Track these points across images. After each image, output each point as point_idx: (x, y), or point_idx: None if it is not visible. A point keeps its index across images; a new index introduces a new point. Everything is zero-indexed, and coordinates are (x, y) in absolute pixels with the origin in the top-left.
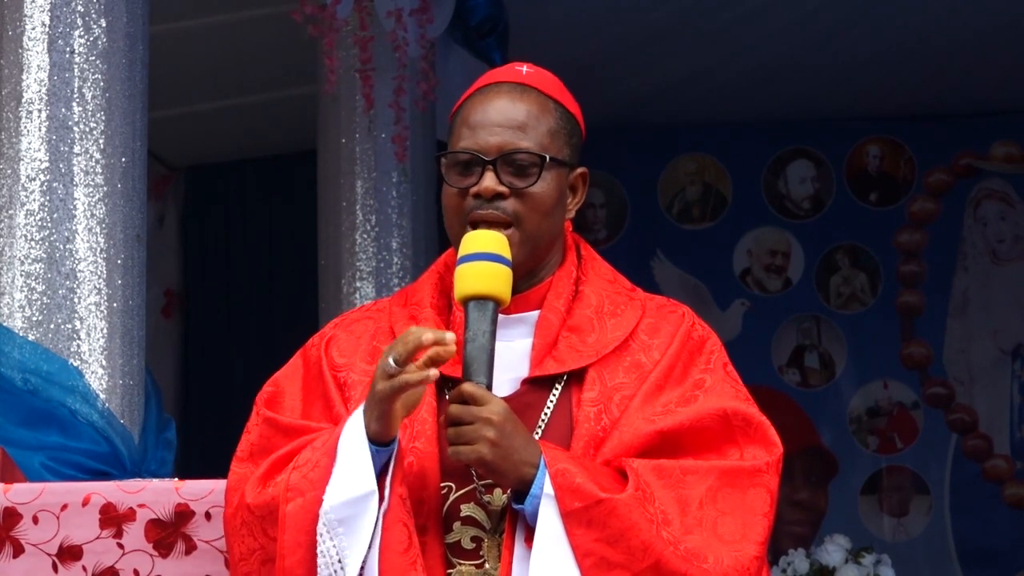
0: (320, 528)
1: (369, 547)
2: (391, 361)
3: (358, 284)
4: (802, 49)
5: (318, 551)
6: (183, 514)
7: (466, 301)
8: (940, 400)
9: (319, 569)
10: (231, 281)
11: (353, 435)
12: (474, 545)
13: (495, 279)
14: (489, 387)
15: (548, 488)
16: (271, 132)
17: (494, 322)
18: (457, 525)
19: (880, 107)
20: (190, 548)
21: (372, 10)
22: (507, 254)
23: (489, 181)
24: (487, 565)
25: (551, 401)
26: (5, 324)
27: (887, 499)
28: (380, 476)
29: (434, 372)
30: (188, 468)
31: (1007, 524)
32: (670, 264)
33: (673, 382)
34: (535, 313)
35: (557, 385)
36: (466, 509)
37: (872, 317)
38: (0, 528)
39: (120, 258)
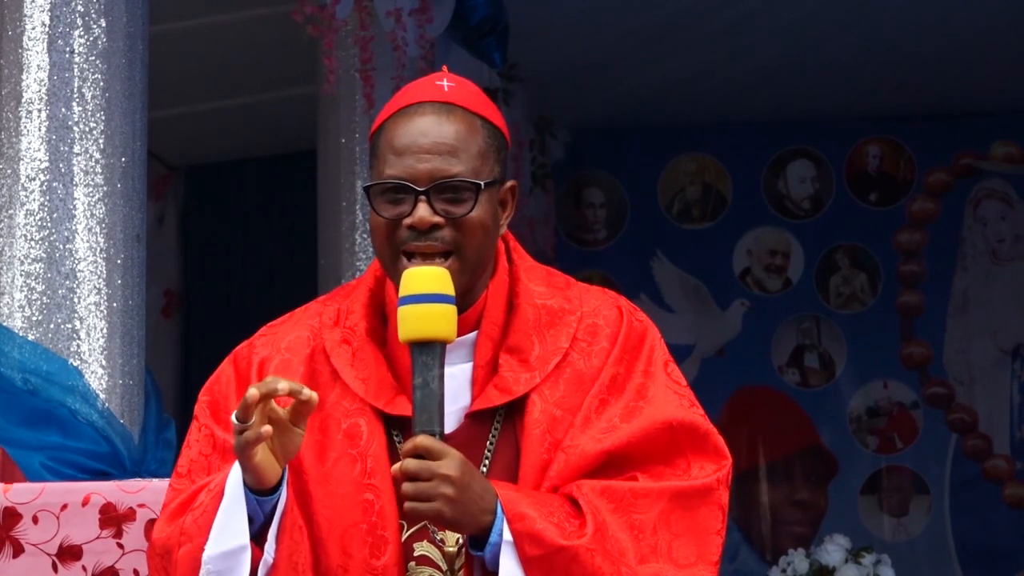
0: None
1: None
2: (233, 419)
3: None
4: (802, 49)
5: None
6: None
7: (411, 345)
8: (940, 400)
9: None
10: (231, 281)
11: (233, 484)
12: None
13: (441, 321)
14: (441, 435)
15: (507, 535)
16: (271, 132)
17: (442, 365)
18: (412, 565)
19: (880, 107)
20: None
21: (372, 10)
22: (450, 290)
23: (423, 212)
24: None
25: (495, 430)
26: (5, 324)
27: (887, 499)
28: (265, 526)
29: (267, 428)
30: None
31: (1007, 524)
32: (670, 264)
33: (615, 393)
34: (472, 335)
35: (499, 412)
36: (419, 548)
37: (872, 317)
38: (0, 528)
39: (120, 258)
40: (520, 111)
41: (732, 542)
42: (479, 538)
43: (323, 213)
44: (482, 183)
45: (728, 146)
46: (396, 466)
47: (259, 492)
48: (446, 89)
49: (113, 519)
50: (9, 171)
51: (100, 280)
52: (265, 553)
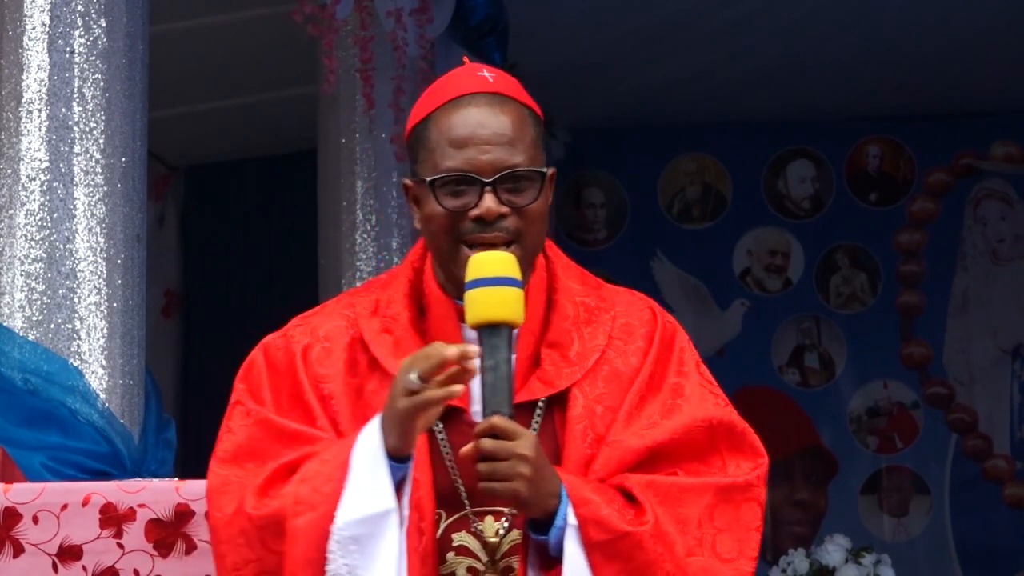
0: (332, 546)
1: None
2: (414, 378)
3: (358, 284)
4: (802, 49)
5: (328, 569)
6: (183, 514)
7: (479, 328)
8: (940, 400)
9: None
10: (231, 281)
11: (369, 449)
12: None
13: (510, 304)
14: (511, 416)
15: (572, 519)
16: (271, 132)
17: (511, 347)
18: (451, 556)
19: (880, 107)
20: (190, 548)
21: (372, 10)
22: (518, 274)
23: (491, 203)
24: None
25: (535, 423)
26: (5, 324)
27: (887, 499)
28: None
29: (458, 388)
30: (188, 468)
31: (1007, 524)
32: (670, 264)
33: (653, 391)
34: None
35: (540, 405)
36: (458, 538)
37: (872, 317)
38: (0, 528)
39: (120, 258)
40: None
41: None
42: (540, 523)
43: (323, 213)
44: (544, 171)
45: (728, 146)
46: (468, 447)
47: (397, 459)
48: (491, 80)
49: (113, 519)
50: (9, 171)
51: (100, 280)
52: (404, 520)
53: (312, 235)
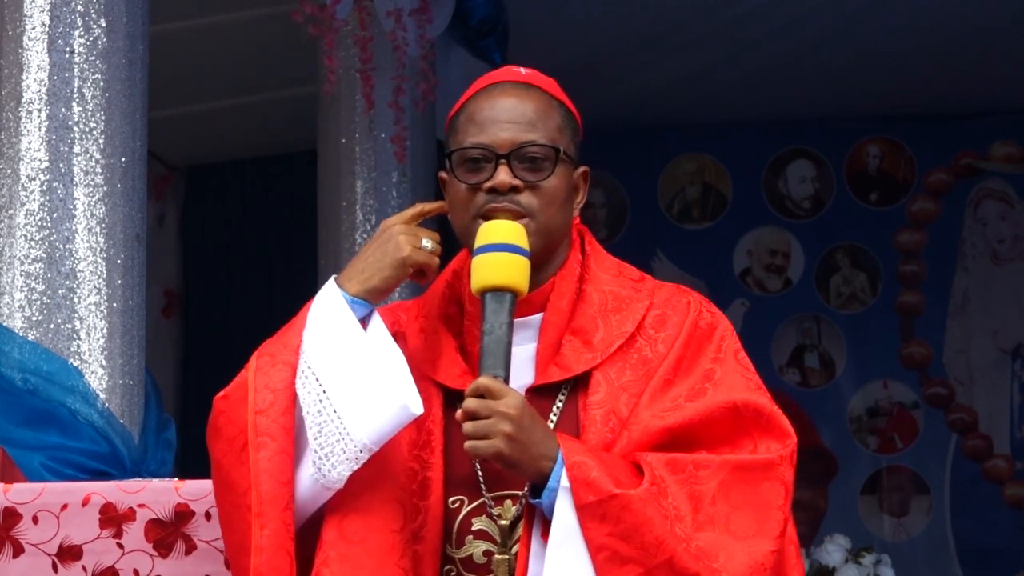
0: (301, 365)
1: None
2: (429, 244)
3: None
4: (802, 49)
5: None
6: (183, 514)
7: (483, 292)
8: (940, 400)
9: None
10: (231, 281)
11: (326, 298)
12: (485, 559)
13: (513, 270)
14: (506, 380)
15: (564, 481)
16: (271, 132)
17: (511, 313)
18: (469, 539)
19: (880, 107)
20: (190, 548)
21: (372, 10)
22: (525, 244)
23: (504, 175)
24: None
25: (557, 407)
26: (5, 324)
27: (887, 499)
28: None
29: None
30: (188, 468)
31: (1007, 524)
32: (670, 264)
33: (682, 375)
34: (539, 316)
35: (563, 390)
36: (477, 523)
37: (872, 317)
38: (0, 528)
39: (120, 258)
40: None
41: None
42: (539, 487)
43: (323, 213)
44: (560, 149)
45: (728, 146)
46: (460, 410)
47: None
48: (524, 73)
49: (113, 519)
50: (9, 171)
51: (100, 280)
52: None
53: (312, 235)
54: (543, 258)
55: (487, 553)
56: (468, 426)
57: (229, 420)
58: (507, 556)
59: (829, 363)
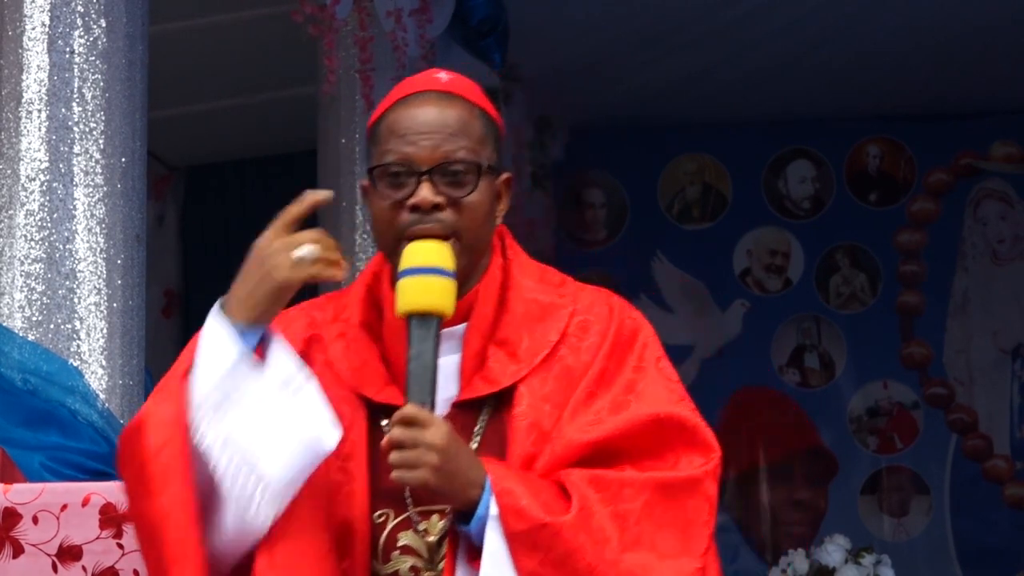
0: (194, 419)
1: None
2: (308, 252)
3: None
4: (802, 49)
5: (195, 443)
6: None
7: (408, 316)
8: (940, 400)
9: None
10: (231, 281)
11: (212, 330)
12: (412, 575)
13: (439, 293)
14: (432, 407)
15: (493, 509)
16: (271, 132)
17: (438, 337)
18: (396, 555)
19: (880, 107)
20: None
21: (372, 10)
22: (451, 265)
23: (426, 192)
24: None
25: (482, 421)
26: (5, 324)
27: (887, 499)
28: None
29: (342, 272)
30: None
31: (1007, 524)
32: (670, 264)
33: (604, 387)
34: (462, 327)
35: (487, 403)
36: (404, 538)
37: (872, 317)
38: (0, 528)
39: (120, 258)
40: (520, 111)
41: (732, 542)
42: (467, 514)
43: (323, 213)
44: (483, 163)
45: (728, 146)
46: (385, 439)
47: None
48: (444, 80)
49: (113, 519)
50: (9, 171)
51: (100, 280)
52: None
53: None
54: (467, 270)
55: (414, 569)
56: (394, 456)
57: (130, 457)
58: (433, 573)
59: (829, 363)
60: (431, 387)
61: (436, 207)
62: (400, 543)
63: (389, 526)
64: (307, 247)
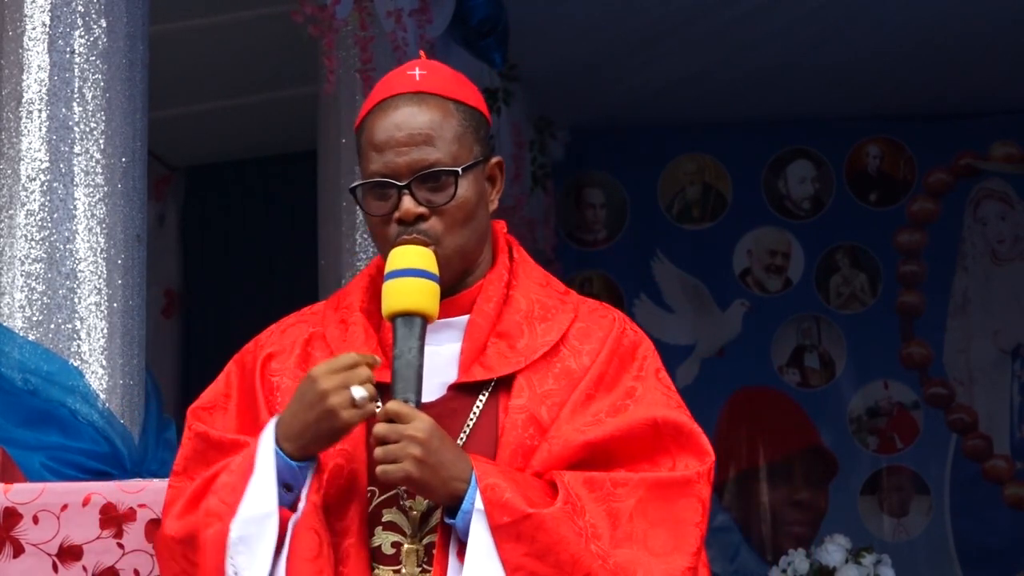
0: (228, 550)
1: (277, 558)
2: (363, 393)
3: None
4: (802, 49)
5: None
6: None
7: (393, 317)
8: (940, 400)
9: None
10: (231, 281)
11: (265, 453)
12: (394, 550)
13: (422, 295)
14: (417, 404)
15: (478, 503)
16: (271, 132)
17: (422, 338)
18: (379, 530)
19: (880, 107)
20: None
21: (372, 10)
22: (434, 269)
23: (408, 204)
24: (404, 571)
25: (477, 407)
26: (5, 324)
27: (887, 499)
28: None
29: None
30: None
31: (1007, 524)
32: (670, 264)
33: (604, 390)
34: (464, 318)
35: (484, 391)
36: (388, 514)
37: (872, 317)
38: (0, 528)
39: (120, 258)
40: (520, 111)
41: (732, 542)
42: (454, 508)
43: (323, 213)
44: (459, 169)
45: (728, 146)
46: (372, 436)
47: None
48: (417, 78)
49: (113, 519)
50: (9, 171)
51: (100, 280)
52: (299, 510)
53: (312, 235)
54: (465, 266)
55: (396, 544)
56: (379, 451)
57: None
58: (416, 547)
59: (829, 363)
60: (416, 384)
61: (420, 217)
62: (384, 519)
63: (375, 502)
64: (362, 388)
